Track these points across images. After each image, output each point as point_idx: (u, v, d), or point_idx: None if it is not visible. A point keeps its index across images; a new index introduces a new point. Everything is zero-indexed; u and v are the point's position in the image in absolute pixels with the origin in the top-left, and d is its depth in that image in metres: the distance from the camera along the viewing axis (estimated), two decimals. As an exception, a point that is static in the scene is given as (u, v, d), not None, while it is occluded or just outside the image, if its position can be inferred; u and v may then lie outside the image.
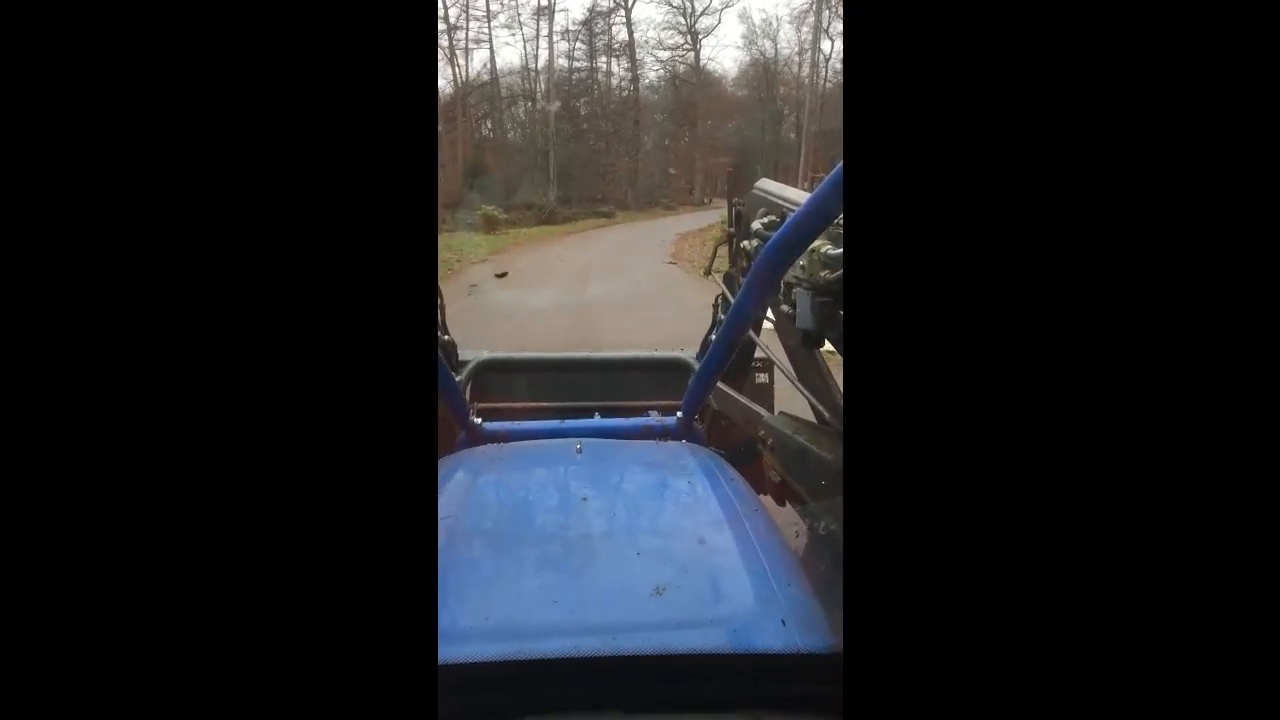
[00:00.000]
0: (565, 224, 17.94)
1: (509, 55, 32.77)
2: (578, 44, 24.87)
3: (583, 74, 25.33)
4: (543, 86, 23.72)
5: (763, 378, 1.47)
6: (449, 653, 0.45)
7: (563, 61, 24.67)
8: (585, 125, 25.13)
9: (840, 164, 0.55)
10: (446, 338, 1.40)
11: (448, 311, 1.41)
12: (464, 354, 1.57)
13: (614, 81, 25.98)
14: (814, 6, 23.67)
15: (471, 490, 0.89)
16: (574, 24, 24.95)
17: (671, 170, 25.31)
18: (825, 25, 23.12)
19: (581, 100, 25.62)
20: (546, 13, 22.99)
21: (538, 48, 23.76)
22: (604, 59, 25.38)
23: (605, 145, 24.58)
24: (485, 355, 1.62)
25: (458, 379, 1.41)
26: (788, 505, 0.90)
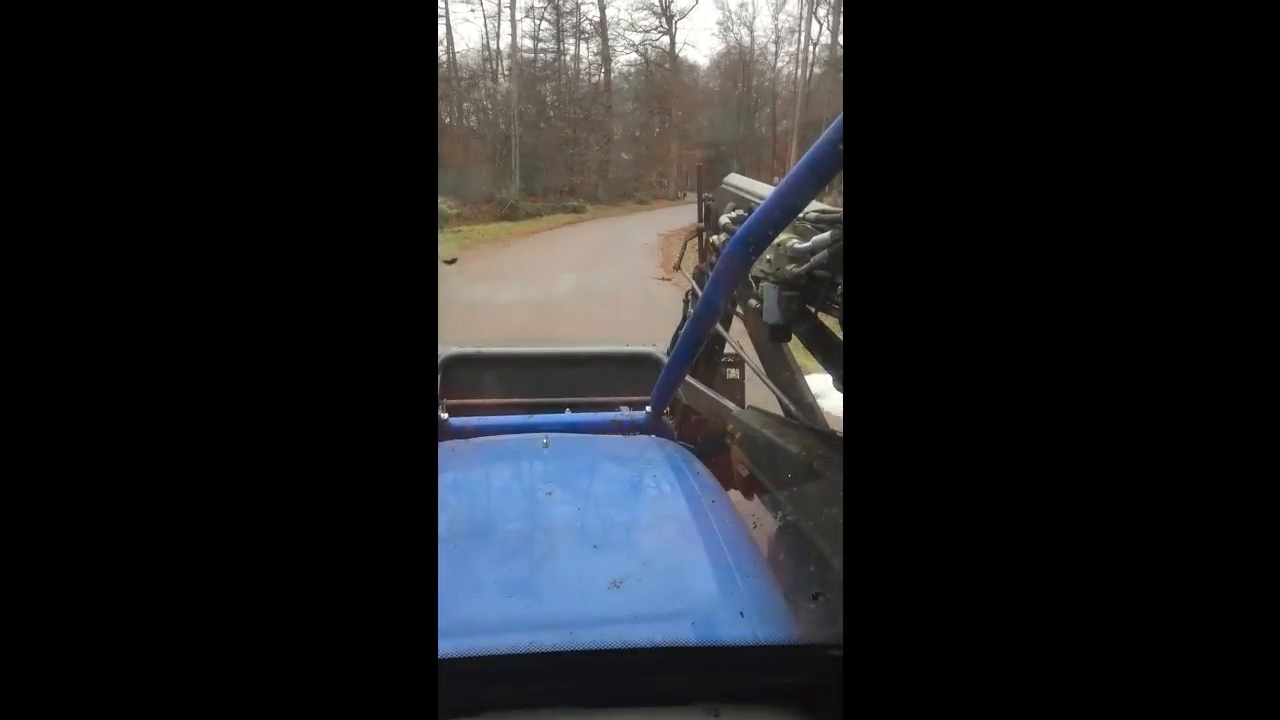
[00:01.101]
0: (529, 220, 15.65)
1: (468, 33, 30.22)
2: (543, 23, 22.80)
3: (549, 56, 23.27)
4: (505, 67, 21.51)
5: (733, 373, 1.45)
6: None
7: (527, 42, 22.59)
8: (552, 112, 23.04)
9: (804, 157, 0.56)
10: None
11: None
12: None
13: (582, 66, 23.99)
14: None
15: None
16: (539, 0, 22.88)
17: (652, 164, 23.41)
18: (814, 6, 21.50)
19: (548, 85, 23.53)
20: (508, -14, 20.82)
21: (499, 25, 21.59)
22: (571, 40, 23.37)
23: (574, 133, 22.47)
24: (454, 350, 1.57)
25: None
26: (755, 499, 0.89)
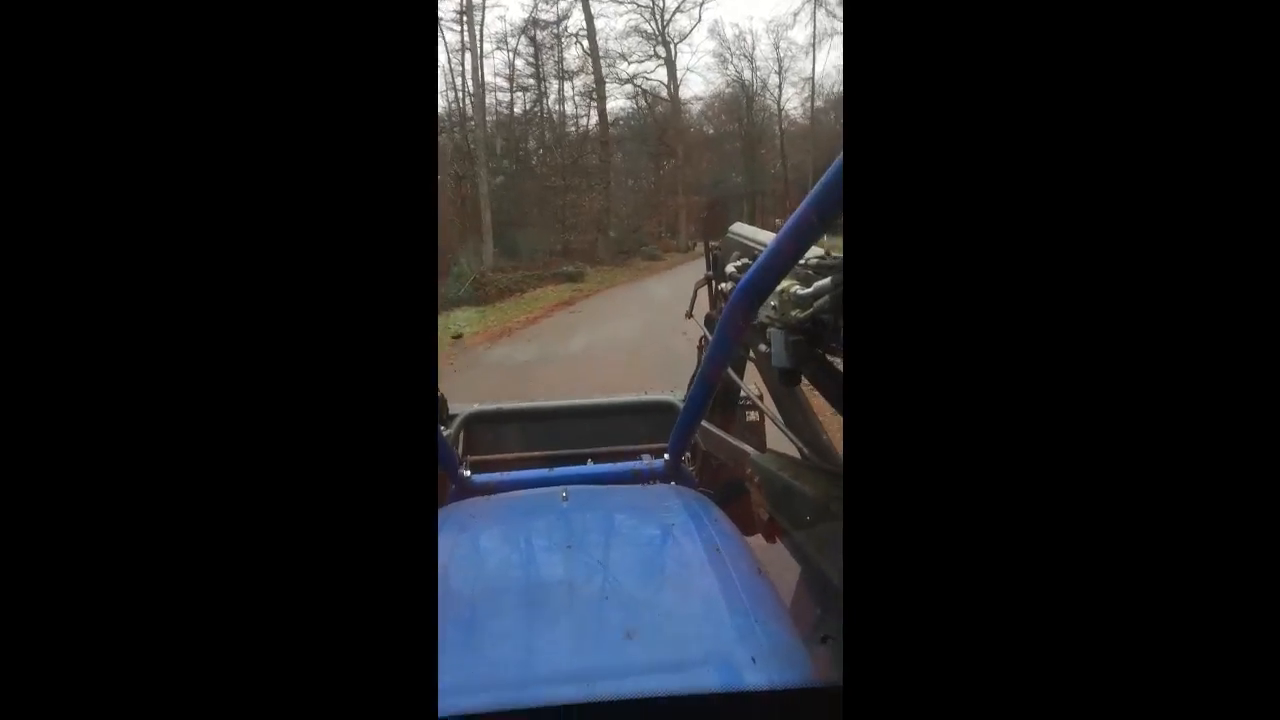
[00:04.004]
0: (504, 301, 10.89)
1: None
2: (516, 55, 18.78)
3: (529, 91, 19.20)
4: (471, 88, 17.19)
5: (753, 415, 1.48)
6: None
7: (500, 81, 18.54)
8: (535, 160, 18.83)
9: (797, 211, 0.58)
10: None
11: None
12: (453, 407, 1.59)
13: (569, 107, 19.89)
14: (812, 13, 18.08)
15: (456, 545, 0.87)
16: (513, 29, 18.94)
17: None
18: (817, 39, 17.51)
19: (529, 128, 19.42)
20: (473, 11, 16.75)
21: (463, 61, 17.45)
22: (554, 81, 19.33)
23: (563, 181, 18.15)
24: (474, 407, 1.63)
25: (447, 432, 1.49)
26: (778, 542, 0.92)
